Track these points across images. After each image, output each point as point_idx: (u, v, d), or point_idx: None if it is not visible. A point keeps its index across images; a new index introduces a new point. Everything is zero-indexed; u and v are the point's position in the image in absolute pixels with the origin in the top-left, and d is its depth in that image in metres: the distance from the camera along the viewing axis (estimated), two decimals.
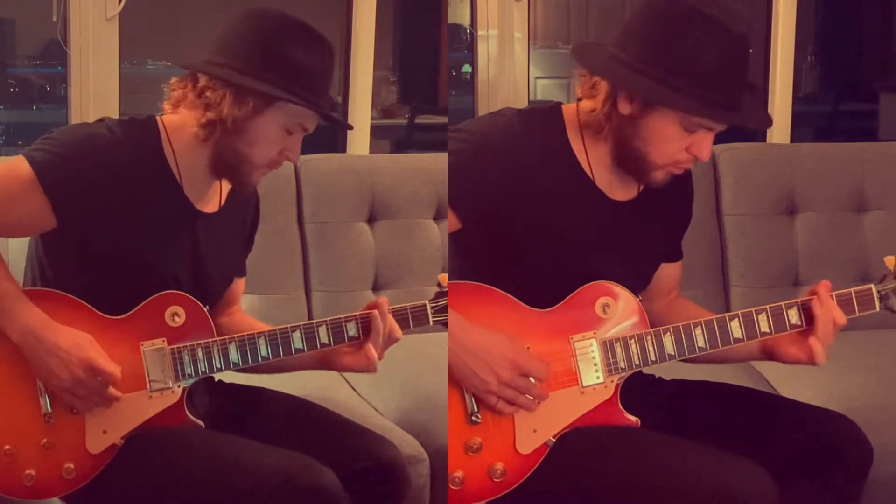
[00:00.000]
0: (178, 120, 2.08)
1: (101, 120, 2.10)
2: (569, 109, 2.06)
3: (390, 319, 2.09)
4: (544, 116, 2.05)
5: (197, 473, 2.00)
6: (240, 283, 2.33)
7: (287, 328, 2.09)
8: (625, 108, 1.96)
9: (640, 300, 2.05)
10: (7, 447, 2.01)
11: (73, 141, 2.03)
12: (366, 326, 2.09)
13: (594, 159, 2.04)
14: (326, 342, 2.09)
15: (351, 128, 2.19)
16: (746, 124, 2.06)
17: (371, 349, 2.08)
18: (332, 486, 1.99)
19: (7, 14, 4.82)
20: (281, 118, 2.03)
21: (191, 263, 2.11)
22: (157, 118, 2.10)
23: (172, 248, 2.09)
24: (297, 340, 2.09)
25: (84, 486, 2.03)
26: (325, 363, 2.17)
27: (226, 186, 2.18)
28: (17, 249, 2.47)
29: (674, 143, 1.96)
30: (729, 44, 1.91)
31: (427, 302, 2.10)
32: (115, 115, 3.22)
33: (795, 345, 2.04)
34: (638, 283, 2.15)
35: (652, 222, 2.12)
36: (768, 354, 2.08)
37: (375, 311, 2.08)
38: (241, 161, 2.06)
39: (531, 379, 1.96)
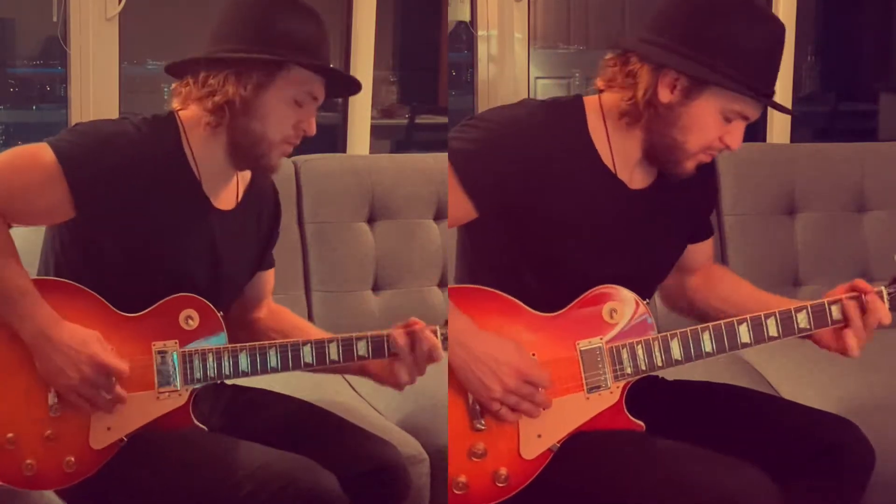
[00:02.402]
0: (192, 115, 2.08)
1: (125, 117, 2.10)
2: (590, 101, 2.06)
3: (430, 338, 2.07)
4: (566, 108, 2.05)
5: (197, 475, 2.00)
6: (269, 276, 2.33)
7: (298, 342, 2.09)
8: (665, 96, 1.96)
9: (647, 303, 2.05)
10: (10, 435, 2.01)
11: (99, 135, 2.03)
12: (377, 347, 2.09)
13: (617, 151, 2.04)
14: (336, 359, 2.09)
15: (359, 86, 2.19)
16: (779, 109, 2.10)
17: (400, 371, 2.09)
18: (332, 489, 1.99)
19: (7, 14, 4.82)
20: (288, 90, 2.04)
21: (208, 260, 2.11)
22: (177, 114, 2.10)
23: (190, 245, 2.09)
24: (307, 354, 2.08)
25: (83, 481, 2.03)
26: (361, 372, 2.18)
27: (242, 182, 2.18)
28: (24, 246, 2.47)
29: (711, 131, 1.98)
30: (770, 29, 1.97)
31: (438, 328, 2.08)
32: (115, 115, 3.23)
33: (833, 335, 2.04)
34: (656, 272, 2.15)
35: (671, 207, 2.11)
36: (807, 336, 2.06)
37: (394, 335, 2.07)
38: (257, 141, 2.05)
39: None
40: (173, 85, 2.11)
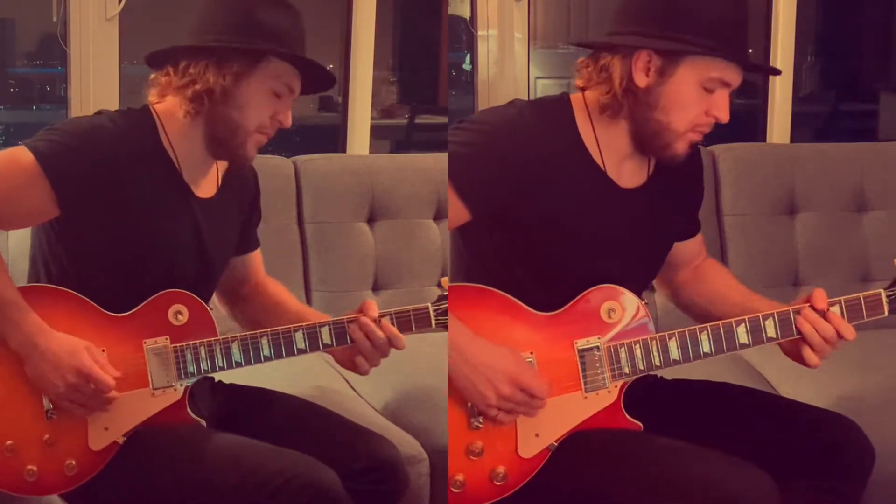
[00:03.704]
0: (168, 106, 2.10)
1: (100, 112, 2.11)
2: (576, 99, 2.06)
3: (387, 328, 2.08)
4: (554, 107, 2.05)
5: (198, 472, 2.00)
6: (255, 256, 2.34)
7: (290, 328, 2.09)
8: (641, 79, 1.96)
9: (645, 303, 2.05)
10: (9, 443, 2.01)
11: (76, 131, 2.04)
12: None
13: (605, 147, 2.04)
14: (329, 343, 2.10)
15: (333, 81, 2.21)
16: (761, 70, 2.09)
17: (361, 360, 2.10)
18: (333, 484, 1.99)
19: (7, 14, 4.82)
20: (266, 80, 2.06)
21: (193, 248, 2.12)
22: (152, 107, 2.11)
23: (174, 235, 2.10)
24: (300, 341, 2.09)
25: (85, 482, 2.03)
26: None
27: (221, 169, 2.19)
28: (17, 249, 2.47)
29: (694, 105, 1.97)
30: None
31: (429, 304, 2.10)
32: None
33: (797, 345, 2.04)
34: (648, 271, 2.15)
35: (663, 206, 2.12)
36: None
37: (354, 325, 2.08)
38: (234, 130, 2.07)
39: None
40: (151, 76, 2.12)
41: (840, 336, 2.00)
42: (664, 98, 1.97)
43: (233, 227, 2.26)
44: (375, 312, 2.09)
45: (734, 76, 1.97)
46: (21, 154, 1.99)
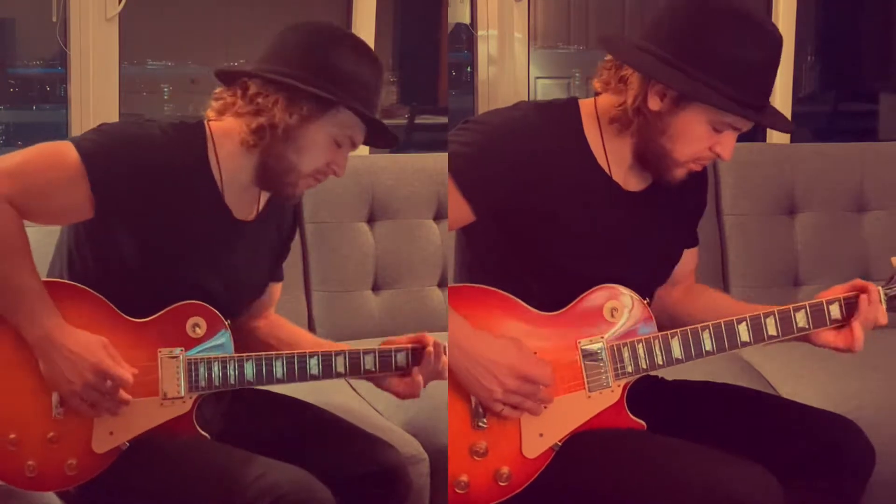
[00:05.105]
0: (226, 127, 2.06)
1: (152, 120, 2.08)
2: (586, 104, 2.06)
3: (440, 358, 2.12)
4: (561, 110, 2.05)
5: (194, 487, 1.98)
6: (276, 288, 2.32)
7: (305, 353, 2.09)
8: (655, 104, 1.95)
9: (647, 302, 2.05)
10: (13, 436, 2.00)
11: (124, 136, 2.01)
12: (384, 362, 2.13)
13: (611, 154, 2.04)
14: (342, 371, 2.10)
15: (396, 141, 2.21)
16: (772, 127, 2.08)
17: (420, 381, 2.15)
18: (327, 501, 1.97)
19: (7, 14, 4.82)
20: (332, 128, 2.03)
21: (224, 271, 2.09)
22: (206, 123, 2.07)
23: (206, 255, 2.07)
24: (314, 367, 2.09)
25: (84, 483, 2.02)
26: (373, 381, 2.20)
27: (264, 195, 2.16)
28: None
29: (700, 141, 1.97)
30: (765, 43, 1.93)
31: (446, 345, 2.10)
32: (115, 116, 3.24)
33: (833, 331, 2.05)
34: (655, 274, 2.15)
35: (667, 211, 2.12)
36: (803, 337, 2.07)
37: (429, 349, 2.12)
38: (288, 170, 2.04)
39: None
40: (217, 90, 2.08)
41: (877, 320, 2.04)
42: (672, 128, 1.96)
43: (268, 252, 2.23)
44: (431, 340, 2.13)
45: (745, 123, 1.98)
46: (67, 150, 1.95)
